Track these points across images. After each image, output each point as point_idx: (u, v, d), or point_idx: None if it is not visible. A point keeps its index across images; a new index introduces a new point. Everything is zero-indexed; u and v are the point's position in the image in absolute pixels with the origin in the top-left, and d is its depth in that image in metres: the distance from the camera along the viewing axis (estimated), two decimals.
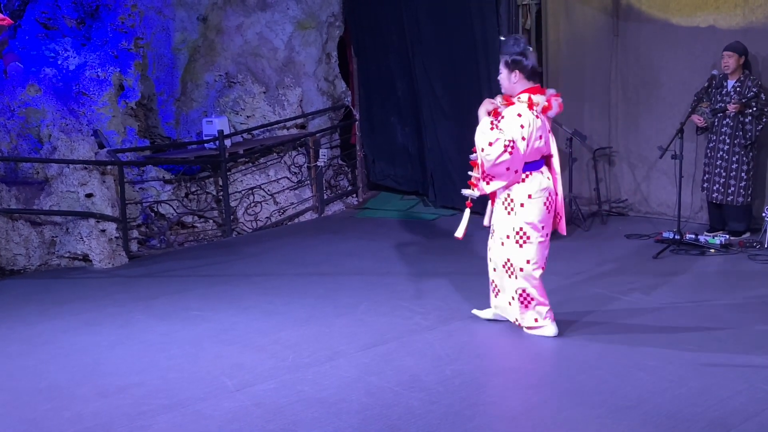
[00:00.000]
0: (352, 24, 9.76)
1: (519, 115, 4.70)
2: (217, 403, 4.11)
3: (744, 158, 7.11)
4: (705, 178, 7.40)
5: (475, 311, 5.35)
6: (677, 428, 3.65)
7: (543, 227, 4.85)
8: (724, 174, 7.19)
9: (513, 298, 4.93)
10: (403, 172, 9.64)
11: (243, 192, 8.86)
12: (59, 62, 8.25)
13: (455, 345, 4.88)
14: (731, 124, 7.11)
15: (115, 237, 7.44)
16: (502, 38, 4.95)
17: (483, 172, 4.80)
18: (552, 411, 3.88)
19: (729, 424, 3.68)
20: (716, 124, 7.23)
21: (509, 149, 4.66)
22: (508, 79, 4.82)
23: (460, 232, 5.04)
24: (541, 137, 4.84)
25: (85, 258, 7.37)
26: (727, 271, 6.37)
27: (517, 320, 5.01)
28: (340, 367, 4.57)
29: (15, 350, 5.07)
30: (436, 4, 8.66)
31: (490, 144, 4.68)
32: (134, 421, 3.94)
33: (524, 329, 5.00)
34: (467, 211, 5.05)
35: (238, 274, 6.84)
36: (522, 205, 4.77)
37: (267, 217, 8.95)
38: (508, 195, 4.81)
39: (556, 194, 4.92)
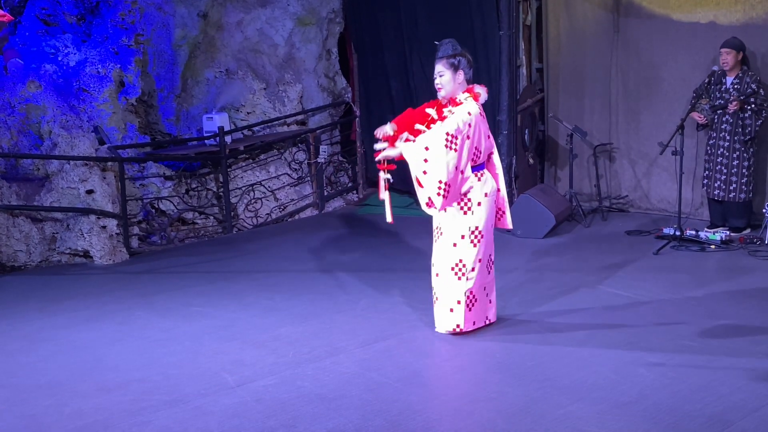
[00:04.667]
0: (352, 20, 9.75)
1: (468, 113, 4.66)
2: (217, 399, 4.12)
3: (744, 154, 7.11)
4: (706, 174, 7.40)
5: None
6: (677, 424, 3.65)
7: (491, 226, 4.90)
8: (725, 171, 7.20)
9: (459, 302, 4.82)
10: (398, 171, 9.57)
11: (243, 188, 8.86)
12: (59, 59, 8.25)
13: (455, 341, 4.88)
14: (731, 120, 7.11)
15: (116, 233, 7.45)
16: (437, 42, 4.90)
17: (441, 187, 4.61)
18: (552, 407, 3.88)
19: (729, 420, 3.68)
20: (716, 120, 7.23)
21: (452, 145, 4.57)
22: (453, 80, 4.78)
23: (389, 217, 4.91)
24: (489, 136, 4.89)
25: (86, 254, 7.37)
26: (728, 267, 6.37)
27: (457, 328, 4.88)
28: (340, 363, 4.57)
29: (15, 347, 5.08)
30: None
31: (426, 149, 4.55)
32: (135, 417, 3.95)
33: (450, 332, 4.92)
34: (387, 194, 4.90)
35: (238, 271, 6.84)
36: (479, 204, 4.77)
37: (267, 214, 8.95)
38: (465, 194, 4.75)
39: (498, 190, 4.95)
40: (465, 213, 4.77)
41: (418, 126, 4.85)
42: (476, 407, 3.93)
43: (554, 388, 4.11)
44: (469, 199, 4.75)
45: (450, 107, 4.78)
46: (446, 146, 4.56)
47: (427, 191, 4.64)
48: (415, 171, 4.64)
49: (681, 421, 3.68)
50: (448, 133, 4.58)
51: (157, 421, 3.90)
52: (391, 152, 4.79)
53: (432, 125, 4.79)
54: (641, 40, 8.15)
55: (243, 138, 9.14)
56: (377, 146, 4.89)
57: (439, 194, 4.61)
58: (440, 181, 4.59)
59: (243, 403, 4.06)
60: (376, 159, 4.87)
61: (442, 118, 4.79)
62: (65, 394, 4.27)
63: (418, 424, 3.75)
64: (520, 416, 3.79)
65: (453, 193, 4.68)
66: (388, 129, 4.88)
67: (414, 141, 4.74)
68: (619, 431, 3.62)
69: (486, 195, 4.79)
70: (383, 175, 4.83)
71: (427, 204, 4.69)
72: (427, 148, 4.56)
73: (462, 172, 4.68)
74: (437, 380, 4.39)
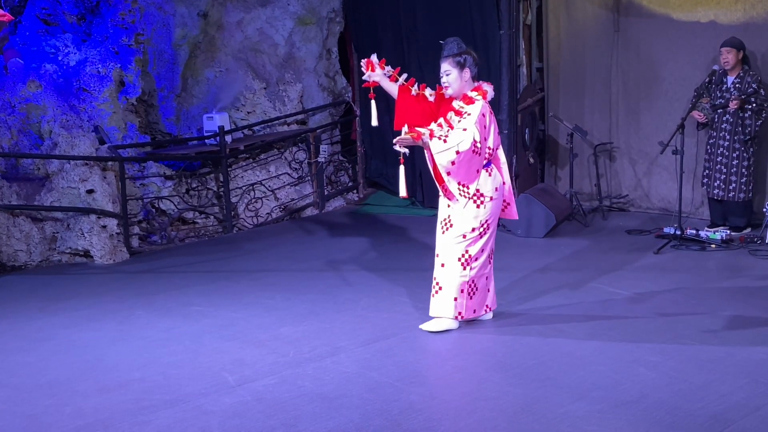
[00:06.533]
0: (352, 20, 9.74)
1: (483, 115, 4.80)
2: (217, 399, 4.12)
3: (744, 154, 7.11)
4: (705, 174, 7.40)
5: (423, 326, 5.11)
6: (678, 423, 3.65)
7: (497, 218, 5.06)
8: (724, 170, 7.19)
9: (462, 291, 4.93)
10: (393, 172, 9.56)
11: (244, 188, 8.86)
12: (60, 58, 8.25)
13: (455, 340, 4.88)
14: (731, 120, 7.11)
15: (116, 233, 7.44)
16: (442, 42, 5.03)
17: (462, 184, 4.87)
18: (552, 406, 3.88)
19: (730, 419, 3.68)
20: (716, 120, 7.23)
21: (476, 148, 4.74)
22: (459, 78, 4.91)
23: (403, 191, 5.09)
24: (498, 133, 5.05)
25: (86, 254, 7.37)
26: (728, 267, 6.37)
27: (458, 316, 4.99)
28: (340, 362, 4.57)
29: (15, 346, 5.08)
30: None
31: (457, 153, 4.70)
32: (135, 416, 3.95)
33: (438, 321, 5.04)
34: (401, 168, 5.11)
35: (238, 270, 6.84)
36: (491, 198, 4.91)
37: (268, 213, 8.95)
38: (477, 190, 4.86)
39: (504, 183, 5.06)
40: (478, 206, 4.88)
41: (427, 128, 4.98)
42: (477, 406, 3.93)
43: (555, 387, 4.11)
44: (482, 195, 4.88)
45: (461, 102, 4.88)
46: (474, 152, 4.75)
47: (449, 186, 4.88)
48: (439, 166, 4.82)
49: (682, 420, 3.68)
50: (475, 141, 4.73)
51: (157, 420, 3.89)
52: (411, 141, 4.86)
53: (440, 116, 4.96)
54: (641, 40, 8.15)
55: (243, 137, 9.14)
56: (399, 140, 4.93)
57: (459, 191, 4.86)
58: (460, 183, 4.85)
59: (243, 402, 4.06)
60: (395, 144, 4.93)
61: (449, 108, 4.91)
62: (65, 394, 4.26)
63: (418, 423, 3.75)
64: (521, 415, 3.79)
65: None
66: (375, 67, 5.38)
67: (431, 131, 4.85)
68: (620, 430, 3.62)
69: (496, 189, 4.94)
70: (400, 149, 4.92)
71: (445, 193, 4.98)
72: (458, 152, 4.72)
73: (477, 171, 4.86)
74: (438, 380, 4.39)
